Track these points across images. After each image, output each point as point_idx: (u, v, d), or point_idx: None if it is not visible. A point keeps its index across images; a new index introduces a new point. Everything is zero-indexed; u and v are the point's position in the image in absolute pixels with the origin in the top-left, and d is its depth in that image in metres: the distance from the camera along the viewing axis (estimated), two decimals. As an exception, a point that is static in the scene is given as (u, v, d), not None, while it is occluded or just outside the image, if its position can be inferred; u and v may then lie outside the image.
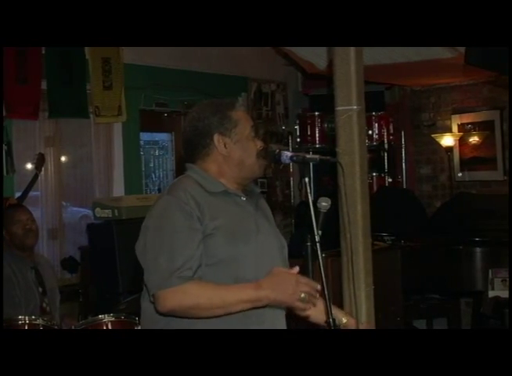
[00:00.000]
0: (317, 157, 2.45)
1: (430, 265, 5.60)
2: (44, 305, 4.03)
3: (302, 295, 2.15)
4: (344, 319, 2.54)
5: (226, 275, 2.26)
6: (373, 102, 6.20)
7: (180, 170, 2.51)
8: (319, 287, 2.21)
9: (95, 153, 6.00)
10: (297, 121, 7.25)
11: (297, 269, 2.21)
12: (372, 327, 2.55)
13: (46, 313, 3.97)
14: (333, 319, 2.28)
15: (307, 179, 2.39)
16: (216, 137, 2.38)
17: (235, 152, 2.39)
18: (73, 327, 3.62)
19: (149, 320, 2.36)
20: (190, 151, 2.44)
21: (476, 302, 5.93)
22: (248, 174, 2.44)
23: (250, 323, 2.27)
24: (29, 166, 5.52)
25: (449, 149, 7.22)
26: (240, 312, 2.21)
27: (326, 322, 2.30)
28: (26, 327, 3.55)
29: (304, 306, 2.18)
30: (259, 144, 2.44)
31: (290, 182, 7.45)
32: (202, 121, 2.39)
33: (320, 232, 2.34)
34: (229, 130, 2.39)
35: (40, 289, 4.05)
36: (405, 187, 7.40)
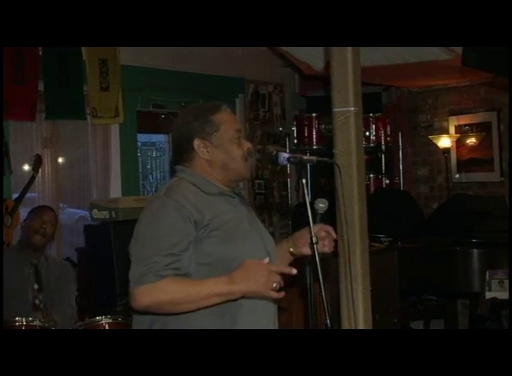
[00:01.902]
0: (314, 158, 2.45)
1: (428, 266, 5.60)
2: (37, 301, 4.02)
3: (274, 285, 2.15)
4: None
5: (223, 274, 2.25)
6: (371, 103, 6.20)
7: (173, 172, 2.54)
8: (294, 271, 2.21)
9: (92, 154, 5.99)
10: (295, 123, 7.25)
11: (267, 260, 2.22)
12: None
13: (38, 310, 3.95)
14: (331, 321, 2.28)
15: (304, 181, 2.40)
16: (196, 142, 2.41)
17: (217, 156, 2.42)
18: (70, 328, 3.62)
19: (135, 322, 2.41)
20: (178, 155, 2.47)
21: (473, 303, 5.93)
22: (234, 176, 2.46)
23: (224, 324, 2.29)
24: (26, 167, 5.51)
25: (446, 150, 7.23)
26: (216, 307, 2.22)
27: (323, 323, 2.31)
28: (23, 328, 3.55)
29: (278, 295, 2.18)
30: (246, 145, 2.45)
31: (287, 183, 7.45)
32: (185, 126, 2.44)
33: (317, 233, 2.35)
34: (210, 134, 2.41)
35: (36, 286, 4.04)
36: (402, 188, 7.40)
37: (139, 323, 2.38)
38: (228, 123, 2.44)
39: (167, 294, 2.18)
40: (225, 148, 2.41)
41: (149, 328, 2.33)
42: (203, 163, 2.42)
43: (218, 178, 2.43)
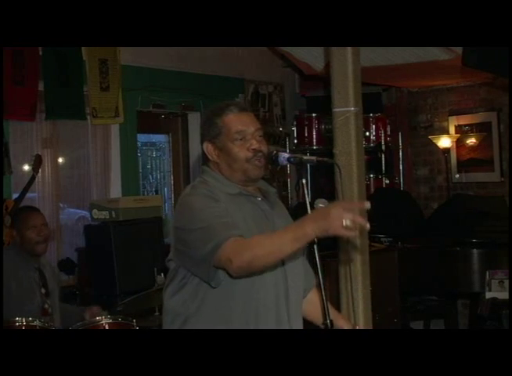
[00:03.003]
0: (314, 158, 2.45)
1: (428, 266, 5.61)
2: (46, 306, 4.01)
3: (347, 222, 2.03)
4: (340, 323, 2.54)
5: None
6: (371, 103, 6.19)
7: (177, 171, 2.56)
8: (368, 204, 2.15)
9: (92, 154, 5.99)
10: (295, 123, 7.24)
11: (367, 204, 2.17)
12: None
13: (47, 315, 3.95)
14: (331, 321, 2.28)
15: (304, 181, 2.39)
16: (205, 145, 2.48)
17: (222, 158, 2.45)
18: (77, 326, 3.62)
19: (169, 320, 2.40)
20: (203, 157, 2.54)
21: (473, 304, 5.94)
22: (242, 177, 2.45)
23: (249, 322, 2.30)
24: (26, 167, 5.51)
25: (446, 150, 7.23)
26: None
27: (323, 323, 2.31)
28: (23, 328, 3.55)
29: (349, 233, 2.08)
30: (252, 146, 2.42)
31: (287, 183, 7.45)
32: (200, 129, 2.53)
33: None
34: (215, 137, 2.45)
35: (43, 290, 4.04)
36: (402, 188, 7.40)
37: (165, 313, 2.40)
38: (230, 125, 2.43)
39: (248, 247, 2.18)
40: (226, 150, 2.43)
41: (171, 324, 2.34)
42: (215, 165, 2.47)
43: (231, 178, 2.45)
